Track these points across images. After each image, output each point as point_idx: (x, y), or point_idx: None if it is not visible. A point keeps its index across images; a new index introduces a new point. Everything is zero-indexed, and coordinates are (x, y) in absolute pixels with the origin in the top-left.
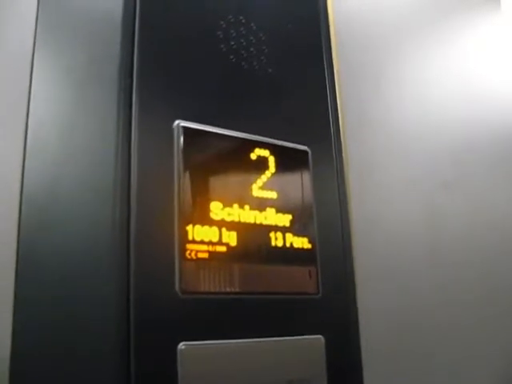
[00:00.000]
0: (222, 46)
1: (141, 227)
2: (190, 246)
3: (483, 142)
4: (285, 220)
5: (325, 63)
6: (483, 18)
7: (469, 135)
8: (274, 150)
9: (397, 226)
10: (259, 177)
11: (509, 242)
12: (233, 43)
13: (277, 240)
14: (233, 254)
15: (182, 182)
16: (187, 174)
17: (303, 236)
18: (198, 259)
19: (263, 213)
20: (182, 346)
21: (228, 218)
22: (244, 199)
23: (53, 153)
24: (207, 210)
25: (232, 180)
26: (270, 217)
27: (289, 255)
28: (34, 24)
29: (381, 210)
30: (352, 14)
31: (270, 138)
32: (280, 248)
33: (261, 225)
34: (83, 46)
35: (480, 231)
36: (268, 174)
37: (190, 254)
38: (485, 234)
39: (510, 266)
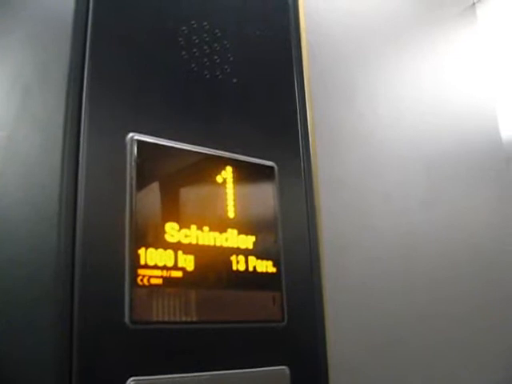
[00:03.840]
0: (184, 53)
1: (87, 250)
2: (141, 272)
3: (458, 154)
4: (248, 242)
5: (295, 74)
6: (459, 30)
7: (444, 147)
8: (236, 166)
9: (370, 246)
10: (220, 195)
11: (484, 256)
12: (195, 50)
13: (238, 264)
14: (190, 280)
15: (135, 201)
16: (140, 193)
17: (267, 259)
18: (151, 286)
19: (224, 234)
20: (131, 382)
21: (185, 241)
22: (203, 220)
23: None
24: (162, 232)
25: (190, 199)
26: (232, 239)
27: (251, 280)
28: None
29: (353, 228)
30: (324, 26)
31: (233, 153)
32: (242, 272)
33: (221, 247)
34: (30, 51)
35: (455, 245)
36: (230, 192)
37: (141, 280)
38: (460, 248)
39: (487, 282)
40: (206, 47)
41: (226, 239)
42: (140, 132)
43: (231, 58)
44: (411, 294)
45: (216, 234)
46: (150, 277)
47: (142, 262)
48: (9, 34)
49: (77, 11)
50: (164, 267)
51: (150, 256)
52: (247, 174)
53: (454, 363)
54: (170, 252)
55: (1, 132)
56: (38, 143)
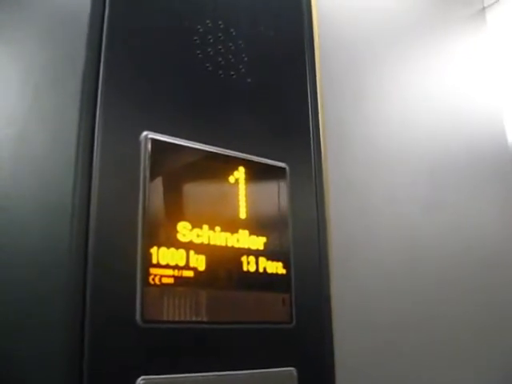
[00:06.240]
0: (198, 52)
1: (100, 249)
2: (153, 271)
3: (464, 157)
4: (258, 243)
5: (308, 75)
6: (468, 34)
7: (450, 150)
8: (249, 166)
9: (377, 248)
10: (232, 195)
11: (489, 259)
12: (210, 50)
13: (249, 264)
14: (201, 280)
15: (148, 200)
16: (153, 192)
17: (277, 260)
18: (162, 285)
19: (235, 235)
20: (141, 380)
21: (197, 240)
22: (215, 220)
23: (2, 164)
24: (174, 231)
25: (202, 199)
26: (243, 239)
27: (261, 281)
28: None
29: (361, 230)
30: (336, 28)
31: (246, 153)
32: (252, 273)
33: (232, 248)
34: (44, 47)
35: (460, 248)
36: (242, 192)
37: (153, 280)
38: (465, 250)
39: (492, 284)
40: (220, 47)
41: (238, 240)
42: (154, 131)
43: (245, 58)
44: (417, 295)
45: (227, 234)
46: (162, 276)
47: (154, 261)
48: (22, 30)
49: (93, 9)
50: (176, 267)
51: (162, 255)
52: (259, 174)
53: (458, 365)
54: (182, 251)
55: (12, 128)
56: (51, 141)
